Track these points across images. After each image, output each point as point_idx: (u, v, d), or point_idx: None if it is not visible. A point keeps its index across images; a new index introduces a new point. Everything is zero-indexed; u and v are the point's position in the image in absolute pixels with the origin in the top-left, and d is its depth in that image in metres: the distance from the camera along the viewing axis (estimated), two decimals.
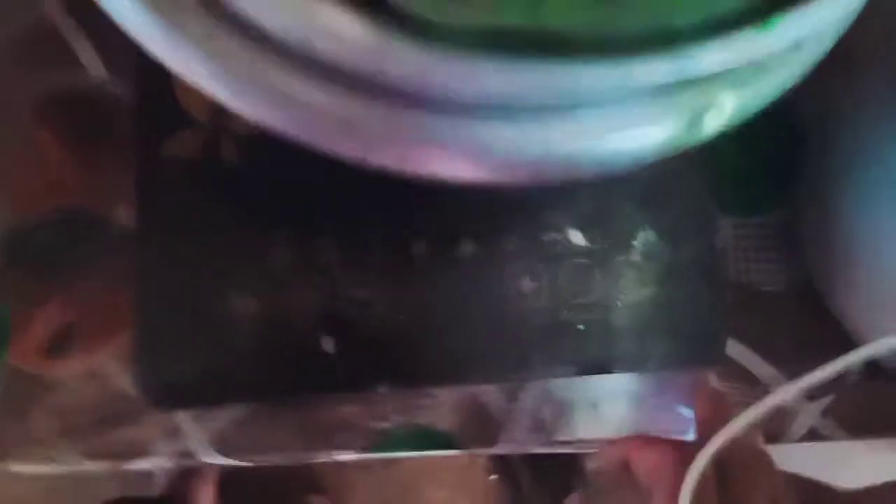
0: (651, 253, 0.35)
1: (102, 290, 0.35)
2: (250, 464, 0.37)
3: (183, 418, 0.36)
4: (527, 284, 0.34)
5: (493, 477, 1.04)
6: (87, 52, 0.36)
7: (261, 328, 0.31)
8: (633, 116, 0.19)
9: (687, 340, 0.35)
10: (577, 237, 0.34)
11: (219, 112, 0.32)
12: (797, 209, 0.39)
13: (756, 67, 0.20)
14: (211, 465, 0.37)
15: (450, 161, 0.19)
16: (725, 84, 0.20)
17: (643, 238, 0.35)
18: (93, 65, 0.36)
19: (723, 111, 0.20)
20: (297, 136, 0.19)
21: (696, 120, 0.20)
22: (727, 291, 0.37)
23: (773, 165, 0.39)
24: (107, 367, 0.35)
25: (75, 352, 0.35)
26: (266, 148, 0.32)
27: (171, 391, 0.31)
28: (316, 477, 1.00)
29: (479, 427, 0.38)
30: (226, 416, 0.36)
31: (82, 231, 0.35)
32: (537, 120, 0.19)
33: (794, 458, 0.38)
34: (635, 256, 0.35)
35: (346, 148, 0.19)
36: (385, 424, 0.37)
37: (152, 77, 0.31)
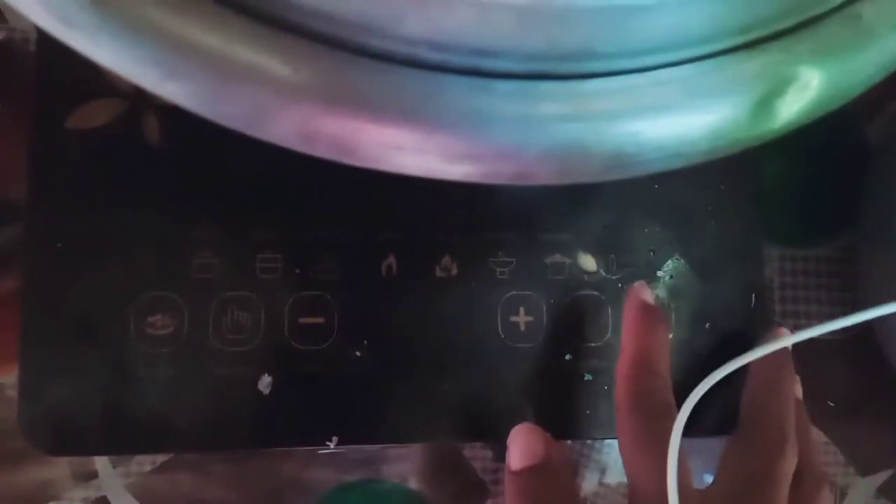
0: (680, 287, 0.28)
1: (11, 295, 0.29)
2: None
3: (98, 460, 0.29)
4: (522, 318, 0.27)
5: None
6: None
7: (179, 357, 0.25)
8: (674, 90, 0.13)
9: (721, 399, 0.28)
10: (587, 262, 0.27)
11: None
12: (858, 241, 0.32)
13: (854, 32, 0.14)
14: None
15: (403, 147, 0.13)
16: (811, 54, 0.13)
17: (671, 268, 0.28)
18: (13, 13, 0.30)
19: (804, 91, 0.13)
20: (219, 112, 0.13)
21: (766, 101, 0.13)
22: None
23: (831, 189, 0.33)
24: (11, 390, 0.29)
25: None
26: (195, 125, 0.25)
27: (62, 434, 0.24)
28: None
29: (460, 488, 0.31)
30: (148, 461, 0.29)
31: None
32: (532, 90, 0.12)
33: None
34: (660, 291, 0.28)
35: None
36: (344, 478, 0.30)
37: None
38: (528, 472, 0.24)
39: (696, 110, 0.13)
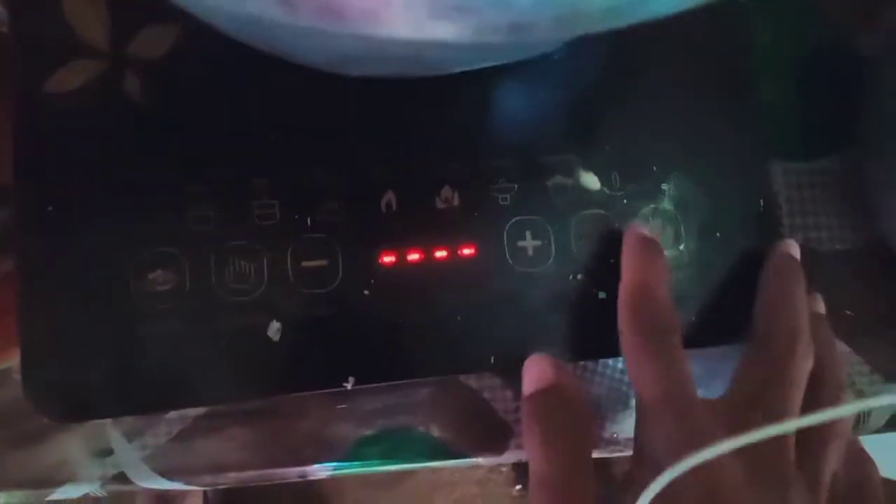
0: (686, 201, 0.27)
1: (14, 276, 0.28)
2: (202, 488, 0.30)
3: (113, 435, 0.29)
4: (529, 243, 0.26)
5: (517, 488, 0.96)
6: None
7: (183, 313, 0.24)
8: None
9: (734, 310, 0.27)
10: (591, 181, 0.27)
11: (120, 34, 0.25)
12: (864, 151, 0.31)
13: None
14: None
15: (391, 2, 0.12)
16: None
17: (676, 182, 0.27)
18: None
19: None
20: None
21: None
22: None
23: (835, 98, 0.32)
24: (18, 374, 0.28)
25: None
26: (178, 78, 0.25)
27: (70, 399, 0.24)
28: (317, 495, 0.92)
29: (483, 431, 0.30)
30: (164, 431, 0.29)
31: None
32: None
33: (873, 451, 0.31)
34: (666, 205, 0.27)
35: None
36: (365, 431, 0.30)
37: None
38: (540, 394, 0.25)
39: None
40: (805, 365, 0.25)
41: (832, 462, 0.25)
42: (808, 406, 0.25)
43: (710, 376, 0.30)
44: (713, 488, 0.22)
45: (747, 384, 0.25)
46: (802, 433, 0.24)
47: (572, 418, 0.25)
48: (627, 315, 0.25)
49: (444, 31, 0.12)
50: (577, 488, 0.23)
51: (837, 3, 0.33)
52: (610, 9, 0.13)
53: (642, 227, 0.26)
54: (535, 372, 0.25)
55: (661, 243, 0.26)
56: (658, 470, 0.20)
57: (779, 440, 0.24)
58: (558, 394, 0.25)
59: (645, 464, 0.24)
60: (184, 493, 0.82)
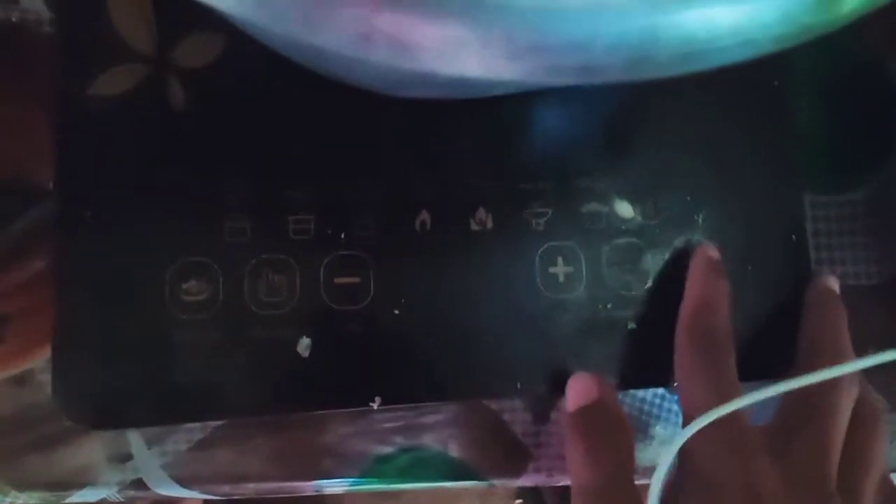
0: (719, 232, 0.27)
1: (42, 277, 0.28)
2: (219, 497, 0.30)
3: (133, 441, 0.29)
4: (560, 269, 0.26)
5: (517, 502, 0.96)
6: None
7: (215, 324, 0.24)
8: None
9: (765, 345, 0.27)
10: (625, 209, 0.27)
11: (166, 41, 0.25)
12: (890, 186, 0.31)
13: None
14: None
15: (466, 42, 0.12)
16: None
17: (709, 213, 0.27)
18: None
19: None
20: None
21: None
22: None
23: (861, 134, 0.32)
24: (42, 374, 0.28)
25: (2, 353, 0.28)
26: (222, 88, 0.25)
27: (100, 407, 0.24)
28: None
29: (502, 454, 0.30)
30: (184, 439, 0.29)
31: (13, 203, 0.28)
32: None
33: None
34: (699, 236, 0.27)
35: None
36: (383, 449, 0.30)
37: None
38: (585, 410, 0.25)
39: None
40: (850, 394, 0.25)
41: (870, 494, 0.25)
42: (848, 434, 0.25)
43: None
44: (755, 496, 0.22)
45: (792, 413, 0.25)
46: (844, 462, 0.25)
47: (616, 433, 0.25)
48: (687, 329, 0.25)
49: (517, 72, 0.12)
50: (619, 500, 0.23)
51: (870, 39, 0.33)
52: (679, 56, 0.13)
53: (711, 247, 0.27)
54: (580, 388, 0.25)
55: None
56: (703, 486, 0.21)
57: (822, 461, 0.24)
58: (603, 410, 0.25)
59: (691, 480, 0.24)
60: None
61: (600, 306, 0.26)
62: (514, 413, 0.30)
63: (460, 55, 0.12)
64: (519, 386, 0.26)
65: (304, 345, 0.25)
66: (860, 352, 0.31)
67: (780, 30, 0.13)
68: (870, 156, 0.32)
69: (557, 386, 0.26)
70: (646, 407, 0.30)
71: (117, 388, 0.24)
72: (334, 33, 0.12)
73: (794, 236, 0.28)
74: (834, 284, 0.28)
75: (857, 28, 0.32)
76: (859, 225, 0.32)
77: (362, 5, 0.12)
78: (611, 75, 0.13)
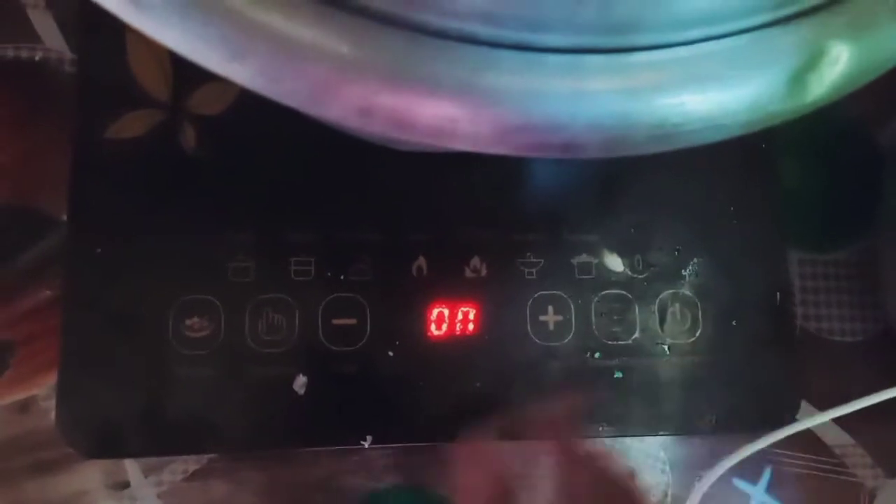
0: (705, 287, 0.28)
1: (49, 305, 0.29)
2: None
3: (131, 469, 0.29)
4: (551, 318, 0.27)
5: None
6: (43, 19, 0.30)
7: (216, 360, 0.25)
8: (716, 62, 0.13)
9: (750, 397, 0.28)
10: (614, 262, 0.28)
11: (181, 89, 0.26)
12: (876, 246, 0.32)
13: (887, 8, 0.14)
14: None
15: (458, 119, 0.13)
16: (844, 28, 0.14)
17: (696, 268, 0.28)
18: (49, 35, 0.30)
19: (835, 65, 0.14)
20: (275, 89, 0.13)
21: (800, 74, 0.14)
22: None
23: (849, 194, 0.33)
24: (45, 401, 0.29)
25: (7, 379, 0.29)
26: (233, 135, 0.26)
27: (98, 434, 0.25)
28: None
29: (492, 494, 0.31)
30: (180, 469, 0.30)
31: (25, 233, 0.29)
32: (581, 63, 0.13)
33: None
34: (686, 290, 0.28)
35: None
36: (374, 485, 0.30)
37: (103, 44, 0.26)
38: None
39: (736, 82, 0.13)
40: None
41: None
42: None
43: (719, 456, 0.31)
44: None
45: None
46: None
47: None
48: None
49: (504, 148, 0.14)
50: None
51: (857, 104, 0.34)
52: (652, 137, 0.14)
53: None
54: None
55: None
56: None
57: None
58: None
59: None
60: None
61: (588, 355, 0.27)
62: (505, 455, 0.31)
63: (452, 132, 0.13)
64: (507, 431, 0.26)
65: (300, 383, 0.26)
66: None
67: (748, 117, 0.14)
68: (856, 217, 0.33)
69: (547, 431, 0.27)
70: (631, 452, 0.31)
71: (118, 418, 0.25)
72: (337, 109, 0.13)
73: (779, 293, 0.29)
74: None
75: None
76: (844, 284, 0.33)
77: (364, 84, 0.13)
78: (590, 152, 0.14)
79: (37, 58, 0.31)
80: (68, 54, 0.30)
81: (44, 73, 0.31)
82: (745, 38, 0.14)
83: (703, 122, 0.14)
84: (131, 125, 0.26)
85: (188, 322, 0.25)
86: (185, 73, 0.26)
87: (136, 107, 0.26)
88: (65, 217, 0.29)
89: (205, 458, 0.30)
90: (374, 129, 0.13)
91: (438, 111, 0.13)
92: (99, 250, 0.25)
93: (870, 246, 0.33)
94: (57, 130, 0.30)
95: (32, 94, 0.30)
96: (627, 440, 0.31)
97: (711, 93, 0.14)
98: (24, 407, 0.29)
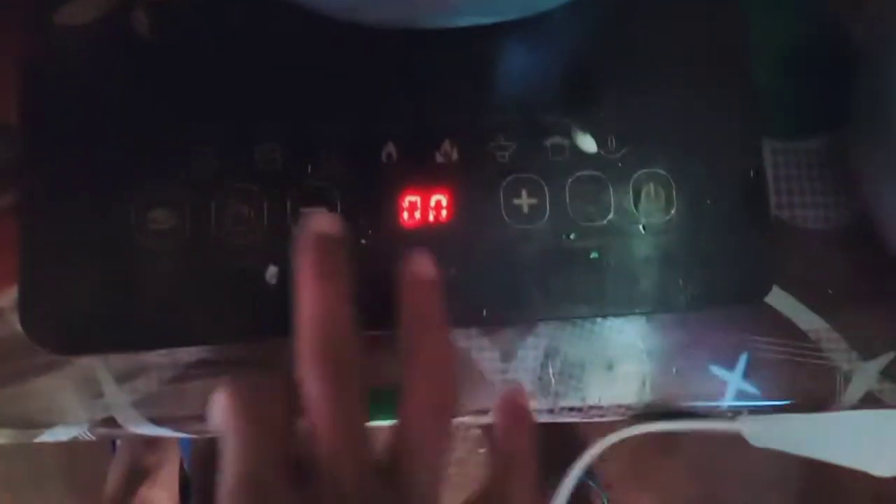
0: (680, 167, 0.28)
1: (8, 213, 0.28)
2: (190, 435, 0.31)
3: (103, 378, 0.29)
4: (525, 201, 0.27)
5: (482, 451, 0.96)
6: None
7: (182, 252, 0.25)
8: None
9: (724, 276, 0.28)
10: (587, 143, 0.27)
11: None
12: (848, 132, 0.32)
13: None
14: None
15: None
16: None
17: (671, 149, 0.28)
18: None
19: None
20: None
21: None
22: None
23: (821, 80, 0.33)
24: (11, 312, 0.28)
25: None
26: (191, 18, 0.25)
27: (64, 330, 0.24)
28: None
29: (468, 391, 0.31)
30: (155, 377, 0.29)
31: None
32: None
33: (849, 425, 0.32)
34: (660, 170, 0.28)
35: None
36: None
37: None
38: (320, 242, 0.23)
39: None
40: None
41: None
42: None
43: (695, 344, 0.31)
44: None
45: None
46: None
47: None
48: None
49: None
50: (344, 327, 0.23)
51: None
52: None
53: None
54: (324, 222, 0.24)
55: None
56: None
57: None
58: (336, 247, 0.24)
59: None
60: (158, 465, 0.81)
61: (564, 237, 0.27)
62: (482, 352, 0.31)
63: None
64: (485, 314, 0.26)
65: (271, 273, 0.25)
66: (820, 294, 0.32)
67: None
68: (829, 106, 0.33)
69: (522, 314, 0.27)
70: (609, 342, 0.31)
71: (85, 314, 0.24)
72: None
73: (752, 172, 0.29)
74: (524, 400, 0.27)
75: None
76: (817, 172, 0.33)
77: None
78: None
79: None
80: None
81: None
82: None
83: None
84: (81, 11, 0.25)
85: (151, 215, 0.25)
86: None
87: None
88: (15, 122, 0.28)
89: (180, 364, 0.29)
90: None
91: None
92: (55, 147, 0.24)
93: (843, 134, 0.33)
94: (2, 31, 0.29)
95: None
96: (605, 332, 0.31)
97: None
98: None
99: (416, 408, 0.23)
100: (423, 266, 0.24)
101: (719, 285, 0.28)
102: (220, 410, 0.22)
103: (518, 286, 0.26)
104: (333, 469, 0.21)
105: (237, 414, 0.21)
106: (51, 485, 0.85)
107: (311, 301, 0.23)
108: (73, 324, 0.24)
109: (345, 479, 0.21)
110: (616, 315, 0.28)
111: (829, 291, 0.33)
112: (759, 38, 0.32)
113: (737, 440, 0.33)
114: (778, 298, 0.32)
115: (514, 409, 0.26)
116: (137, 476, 0.78)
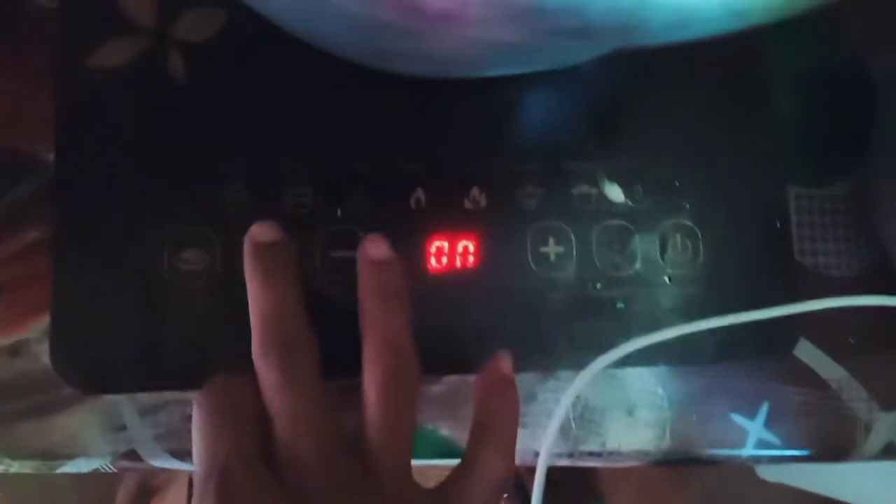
0: (706, 218, 0.28)
1: (35, 247, 0.29)
2: None
3: (127, 412, 0.29)
4: (551, 249, 0.27)
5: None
6: None
7: (212, 292, 0.25)
8: None
9: (749, 329, 0.28)
10: (615, 192, 0.27)
11: (167, 14, 0.25)
12: (871, 180, 0.32)
13: None
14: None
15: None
16: None
17: (697, 199, 0.28)
18: None
19: None
20: None
21: None
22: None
23: (846, 128, 0.33)
24: (37, 344, 0.29)
25: None
26: (222, 62, 0.26)
27: (94, 370, 0.24)
28: None
29: None
30: (178, 411, 0.29)
31: (10, 175, 0.28)
32: None
33: (869, 477, 0.32)
34: (687, 220, 0.28)
35: None
36: None
37: None
38: (261, 246, 0.24)
39: None
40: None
41: (492, 460, 0.25)
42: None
43: (716, 391, 0.31)
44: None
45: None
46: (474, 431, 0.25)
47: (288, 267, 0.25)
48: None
49: (516, 32, 0.13)
50: (293, 323, 0.24)
51: (852, 34, 0.34)
52: (669, 23, 0.13)
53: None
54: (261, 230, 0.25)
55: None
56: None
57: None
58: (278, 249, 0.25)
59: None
60: (168, 483, 0.82)
61: (590, 286, 0.27)
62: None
63: (463, 15, 0.13)
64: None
65: None
66: (842, 343, 0.32)
67: (764, 2, 0.13)
68: (852, 152, 0.33)
69: (546, 363, 0.27)
70: (630, 389, 0.31)
71: (115, 354, 0.24)
72: None
73: (778, 224, 0.29)
74: (508, 368, 0.26)
75: (840, 23, 0.33)
76: (840, 219, 0.33)
77: None
78: (605, 39, 0.13)
79: None
80: None
81: (17, 7, 0.30)
82: None
83: (721, 6, 0.13)
84: (115, 54, 0.25)
85: (183, 255, 0.25)
86: None
87: (120, 34, 0.25)
88: (49, 157, 0.28)
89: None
90: (382, 12, 0.13)
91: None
92: (88, 186, 0.25)
93: (866, 180, 0.33)
94: (36, 68, 0.29)
95: (5, 30, 0.29)
96: (626, 377, 0.31)
97: None
98: (16, 350, 0.29)
99: (375, 378, 0.24)
100: (378, 248, 0.25)
101: (745, 339, 0.28)
102: (194, 411, 0.23)
103: (543, 334, 0.26)
104: (293, 450, 0.22)
105: (206, 410, 0.23)
106: (62, 501, 0.85)
107: (255, 298, 0.24)
108: (103, 364, 0.24)
109: (306, 458, 0.22)
110: (639, 366, 0.28)
111: (851, 341, 0.33)
112: (783, 87, 0.32)
113: (750, 472, 0.33)
114: (800, 347, 0.32)
115: (498, 381, 0.26)
116: (146, 494, 0.79)
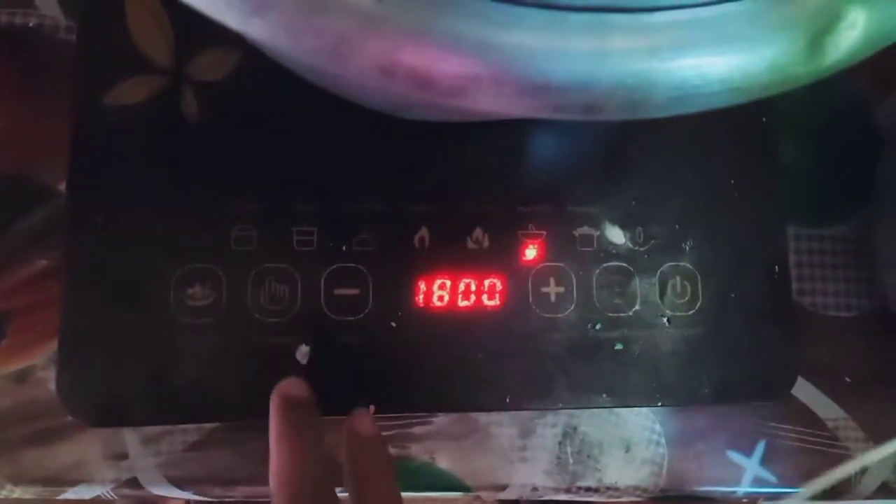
0: (705, 260, 0.28)
1: (45, 275, 0.29)
2: (212, 499, 0.31)
3: (129, 440, 0.29)
4: (552, 289, 0.27)
5: None
6: None
7: (217, 328, 0.25)
8: (737, 24, 0.13)
9: (748, 370, 0.28)
10: (615, 235, 0.28)
11: (183, 54, 0.26)
12: (871, 221, 0.33)
13: None
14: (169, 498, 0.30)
15: (480, 78, 0.13)
16: None
17: (696, 242, 0.28)
18: (43, 1, 0.30)
19: (852, 29, 0.14)
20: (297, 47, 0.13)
21: (818, 37, 0.14)
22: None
23: (846, 170, 0.33)
24: (43, 371, 0.29)
25: (4, 348, 0.29)
26: (235, 101, 0.26)
27: (100, 402, 0.25)
28: None
29: (486, 466, 0.31)
30: (179, 440, 0.30)
31: (20, 202, 0.29)
32: (604, 22, 0.13)
33: None
34: (686, 263, 0.28)
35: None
36: None
37: (102, 8, 0.25)
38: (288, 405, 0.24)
39: (756, 43, 0.14)
40: None
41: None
42: None
43: (713, 429, 0.31)
44: None
45: None
46: None
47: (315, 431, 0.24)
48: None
49: (526, 108, 0.13)
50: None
51: (856, 80, 0.34)
52: (673, 99, 0.14)
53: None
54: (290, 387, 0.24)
55: None
56: None
57: None
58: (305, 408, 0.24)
59: None
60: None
61: (590, 326, 0.27)
62: (501, 427, 0.31)
63: (474, 90, 0.13)
64: (508, 400, 0.27)
65: (302, 352, 0.26)
66: (838, 382, 0.32)
67: (767, 79, 0.14)
68: (853, 193, 0.33)
69: (545, 402, 0.27)
70: (627, 425, 0.31)
71: (120, 387, 0.25)
72: (358, 65, 0.13)
73: (776, 267, 0.29)
74: (367, 426, 0.25)
75: (844, 71, 0.33)
76: (840, 259, 0.33)
77: (385, 40, 0.13)
78: (611, 114, 0.14)
79: (31, 24, 0.30)
80: (63, 20, 0.30)
81: (38, 39, 0.30)
82: (769, 7, 0.14)
83: (722, 84, 0.14)
84: (131, 91, 0.26)
85: (190, 291, 0.25)
86: (187, 38, 0.26)
87: (137, 73, 0.26)
88: (61, 186, 0.28)
89: (205, 428, 0.30)
90: (396, 87, 0.13)
91: (460, 69, 0.13)
92: (99, 219, 0.25)
93: (866, 221, 0.33)
94: (52, 99, 0.30)
95: (26, 61, 0.30)
96: (623, 413, 0.31)
97: (731, 54, 0.14)
98: (22, 376, 0.29)
99: None
100: (363, 424, 0.25)
101: (743, 380, 0.28)
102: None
103: (543, 374, 0.27)
104: None
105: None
106: None
107: (276, 456, 0.23)
108: (108, 396, 0.25)
109: None
110: (638, 406, 0.29)
111: (847, 380, 0.33)
112: (783, 131, 0.32)
113: None
114: (798, 386, 0.32)
115: (360, 444, 0.25)
116: None
